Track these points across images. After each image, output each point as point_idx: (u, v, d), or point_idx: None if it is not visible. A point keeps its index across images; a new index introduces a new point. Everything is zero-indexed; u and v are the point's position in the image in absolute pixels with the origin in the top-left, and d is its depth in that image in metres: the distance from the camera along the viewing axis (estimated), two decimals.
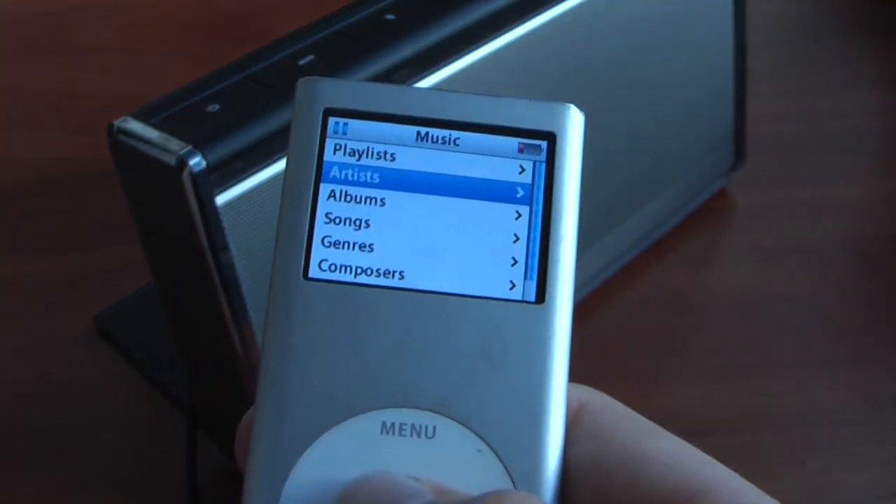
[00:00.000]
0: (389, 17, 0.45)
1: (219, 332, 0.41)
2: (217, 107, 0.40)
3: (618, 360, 0.56)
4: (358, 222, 0.24)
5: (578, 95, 0.51)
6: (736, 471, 0.22)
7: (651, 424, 0.23)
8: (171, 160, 0.38)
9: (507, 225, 0.24)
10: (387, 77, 0.43)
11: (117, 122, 0.40)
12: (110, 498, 0.50)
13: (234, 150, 0.39)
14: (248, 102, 0.40)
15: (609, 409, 0.23)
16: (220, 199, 0.39)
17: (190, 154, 0.38)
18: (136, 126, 0.39)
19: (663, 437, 0.23)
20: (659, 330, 0.58)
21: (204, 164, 0.38)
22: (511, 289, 0.23)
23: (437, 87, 0.24)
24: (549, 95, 0.50)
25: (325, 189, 0.24)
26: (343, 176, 0.24)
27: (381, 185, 0.24)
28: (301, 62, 0.42)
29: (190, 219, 0.38)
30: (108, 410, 0.54)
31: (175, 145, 0.38)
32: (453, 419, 0.22)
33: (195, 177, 0.38)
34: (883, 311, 0.58)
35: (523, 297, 0.23)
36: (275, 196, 0.40)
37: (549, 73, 0.49)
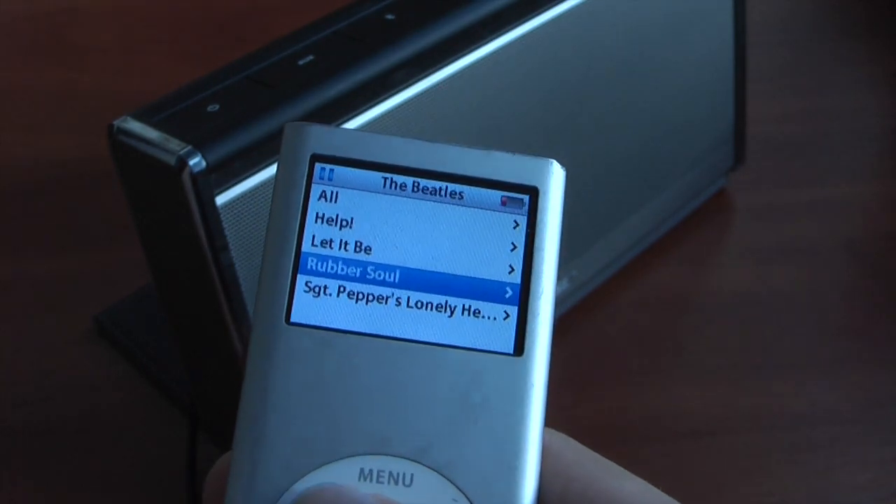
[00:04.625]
0: (389, 17, 0.45)
1: (219, 332, 0.41)
2: (217, 107, 0.40)
3: (618, 360, 0.56)
4: (343, 268, 0.23)
5: (578, 95, 0.51)
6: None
7: (615, 466, 0.23)
8: (171, 160, 0.38)
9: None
10: (387, 77, 0.43)
11: (117, 122, 0.40)
12: (110, 498, 0.50)
13: (234, 150, 0.39)
14: (248, 102, 0.40)
15: (571, 449, 0.23)
16: (220, 199, 0.39)
17: (190, 154, 0.38)
18: (136, 126, 0.39)
19: (627, 477, 0.23)
20: (659, 330, 0.58)
21: (204, 164, 0.38)
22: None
23: (431, 137, 0.24)
24: (547, 96, 0.50)
25: (309, 234, 0.24)
26: (328, 221, 0.24)
27: (367, 233, 0.24)
28: (301, 62, 0.42)
29: (190, 219, 0.38)
30: (108, 410, 0.54)
31: (175, 145, 0.38)
32: (431, 468, 0.22)
33: (195, 177, 0.38)
34: (883, 311, 0.58)
35: (502, 349, 0.23)
36: None
37: (548, 74, 0.49)
